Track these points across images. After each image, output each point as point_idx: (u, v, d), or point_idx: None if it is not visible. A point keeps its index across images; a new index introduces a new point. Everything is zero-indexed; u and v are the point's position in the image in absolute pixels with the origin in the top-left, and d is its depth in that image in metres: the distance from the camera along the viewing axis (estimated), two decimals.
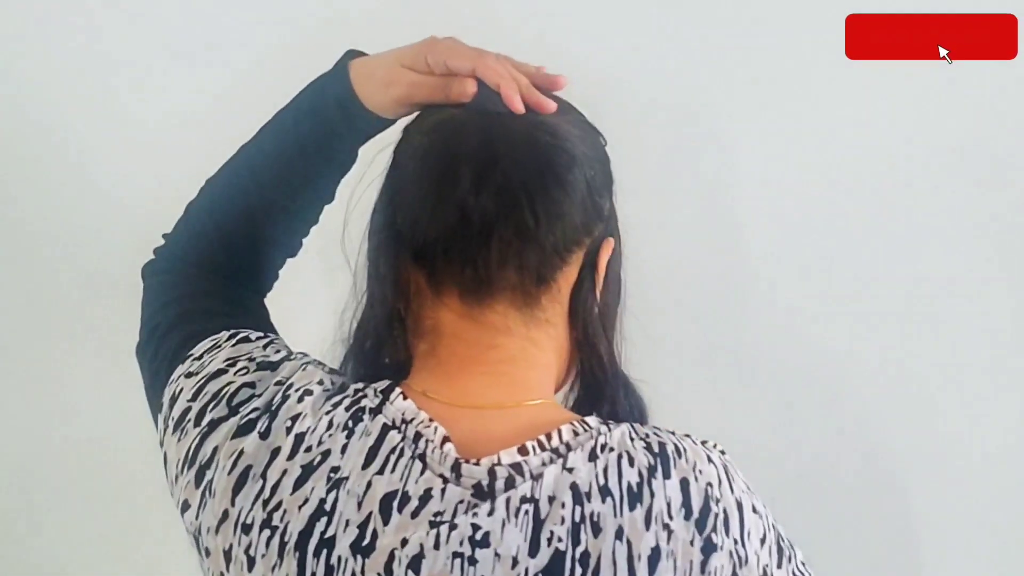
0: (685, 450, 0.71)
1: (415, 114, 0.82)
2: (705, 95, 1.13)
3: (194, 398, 0.77)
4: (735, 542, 0.69)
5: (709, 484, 0.70)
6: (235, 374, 0.77)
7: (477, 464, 0.70)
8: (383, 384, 0.75)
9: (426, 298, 0.77)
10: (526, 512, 0.68)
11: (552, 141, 0.74)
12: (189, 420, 0.76)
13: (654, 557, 0.67)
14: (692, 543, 0.68)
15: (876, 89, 1.13)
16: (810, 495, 1.19)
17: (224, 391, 0.76)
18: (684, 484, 0.69)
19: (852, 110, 1.13)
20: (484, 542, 0.67)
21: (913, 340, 1.17)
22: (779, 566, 0.73)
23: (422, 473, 0.69)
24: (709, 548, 0.68)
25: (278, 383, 0.75)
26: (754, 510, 0.72)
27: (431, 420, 0.72)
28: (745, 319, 1.13)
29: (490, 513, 0.68)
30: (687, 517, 0.68)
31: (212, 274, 0.89)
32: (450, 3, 1.11)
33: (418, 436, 0.71)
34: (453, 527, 0.68)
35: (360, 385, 0.75)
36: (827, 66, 1.12)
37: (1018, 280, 1.15)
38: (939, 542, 1.19)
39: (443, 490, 0.69)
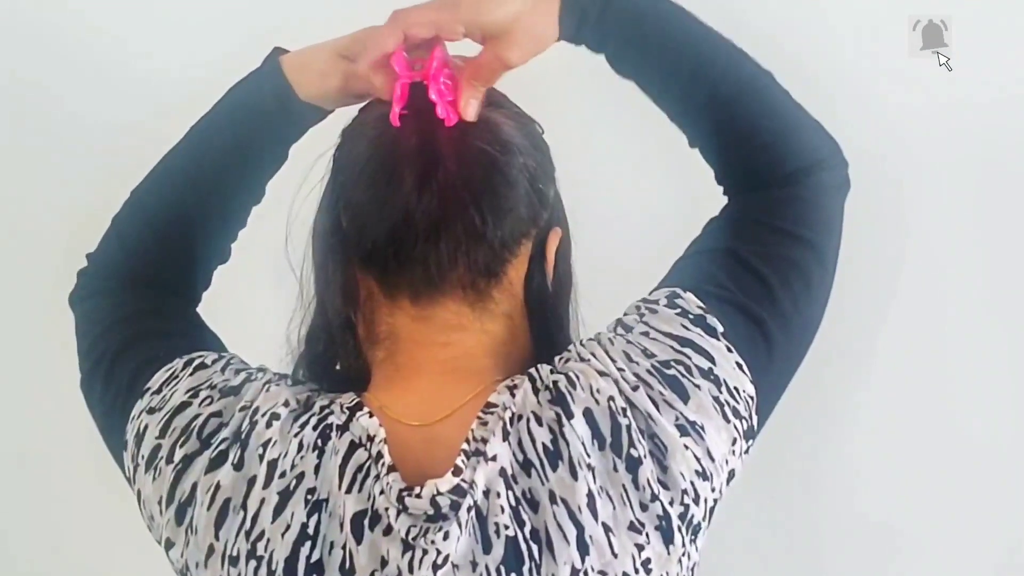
0: (578, 376, 0.72)
1: (353, 118, 0.80)
2: None
3: (162, 435, 0.75)
4: (651, 437, 0.70)
5: (610, 398, 0.70)
6: (200, 405, 0.75)
7: (419, 497, 0.69)
8: (350, 400, 0.74)
9: (379, 303, 0.76)
10: (471, 517, 0.68)
11: (491, 136, 0.74)
12: (161, 458, 0.74)
13: (591, 502, 0.68)
14: (616, 469, 0.69)
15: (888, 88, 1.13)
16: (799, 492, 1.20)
17: (192, 425, 0.74)
18: (588, 415, 0.70)
19: (839, 108, 1.11)
20: (443, 562, 0.68)
21: (923, 339, 1.17)
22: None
23: (381, 494, 0.69)
24: (633, 465, 0.69)
25: (243, 408, 0.74)
26: (635, 388, 0.71)
27: (385, 441, 0.71)
28: None
29: (445, 537, 0.68)
30: (602, 447, 0.70)
31: (149, 289, 0.87)
32: None
33: (379, 456, 0.70)
34: (425, 552, 0.68)
35: (325, 401, 0.74)
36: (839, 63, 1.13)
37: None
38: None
39: (397, 515, 0.69)
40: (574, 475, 0.68)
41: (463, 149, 0.73)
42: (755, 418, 0.75)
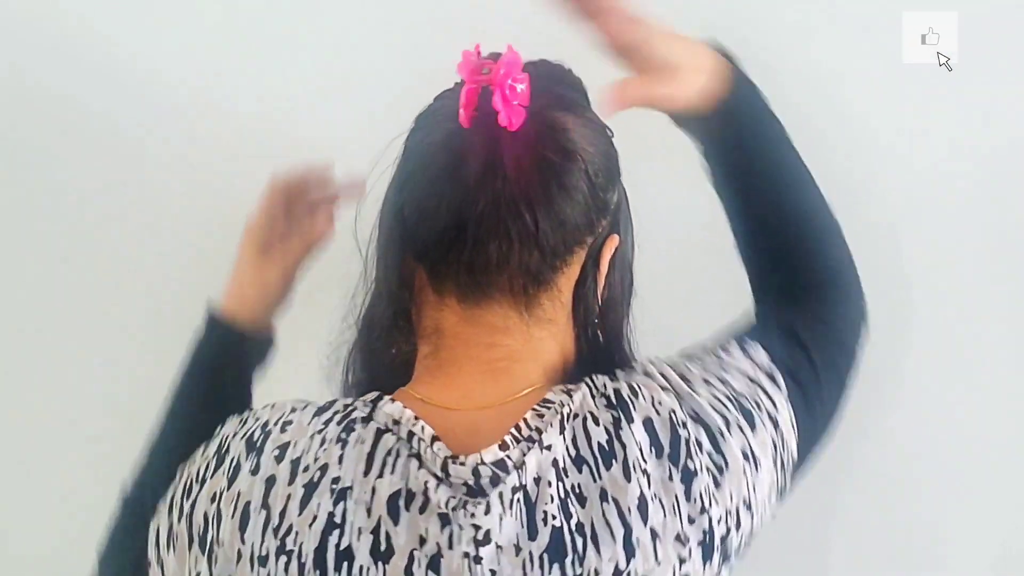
0: (640, 387, 0.73)
1: (429, 104, 0.80)
2: None
3: (168, 516, 0.76)
4: (709, 453, 0.72)
5: (672, 411, 0.72)
6: (186, 470, 0.77)
7: (463, 464, 0.70)
8: (371, 395, 0.75)
9: (428, 297, 0.77)
10: (518, 500, 0.69)
11: (556, 143, 0.74)
12: (172, 525, 0.75)
13: (642, 505, 0.69)
14: (671, 478, 0.71)
15: (885, 89, 1.14)
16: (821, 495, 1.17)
17: (186, 481, 0.76)
18: (648, 424, 0.72)
19: (870, 111, 1.14)
20: (485, 539, 0.68)
21: (925, 339, 1.17)
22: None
23: (419, 469, 0.70)
24: (688, 476, 0.71)
25: (234, 433, 0.75)
26: (711, 405, 0.74)
27: (417, 418, 0.72)
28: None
29: (487, 511, 0.69)
30: (659, 455, 0.71)
31: None
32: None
33: (411, 435, 0.71)
34: (461, 527, 0.68)
35: (348, 400, 0.75)
36: (842, 65, 1.13)
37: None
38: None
39: (437, 486, 0.69)
40: (627, 476, 0.70)
41: (525, 156, 0.72)
42: (789, 481, 0.78)
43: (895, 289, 1.15)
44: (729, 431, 0.73)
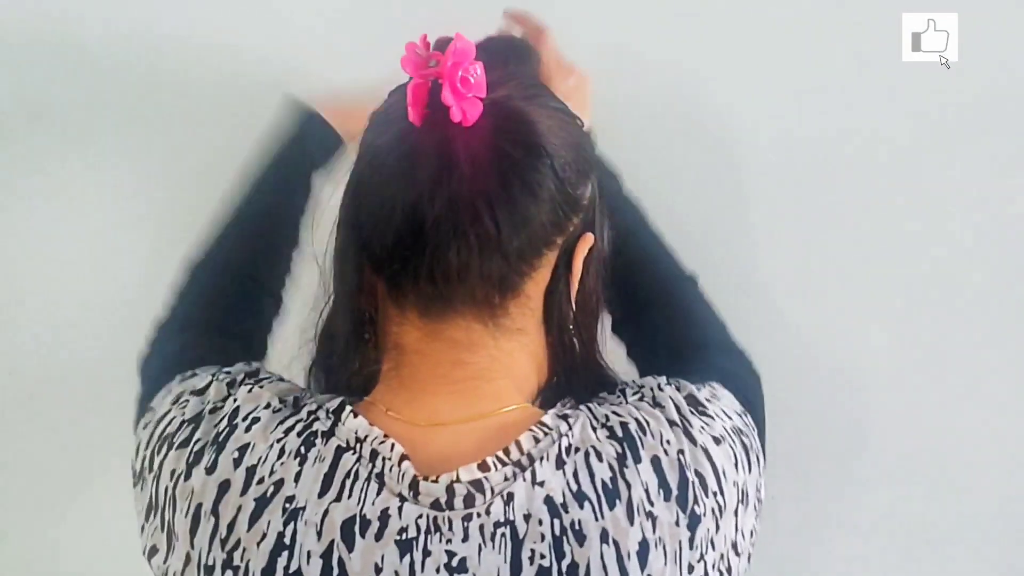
0: (648, 422, 0.69)
1: (384, 100, 0.74)
2: (713, 92, 1.12)
3: (147, 446, 0.73)
4: (714, 494, 0.68)
5: (680, 452, 0.69)
6: (179, 409, 0.74)
7: (435, 482, 0.66)
8: (334, 403, 0.71)
9: (389, 309, 0.72)
10: (503, 535, 0.65)
11: (518, 136, 0.68)
12: (145, 468, 0.73)
13: (643, 551, 0.65)
14: (677, 523, 0.67)
15: (886, 88, 1.12)
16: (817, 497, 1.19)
17: (167, 431, 0.73)
18: (656, 463, 0.68)
19: (865, 108, 1.13)
20: (461, 568, 0.65)
21: (927, 340, 1.16)
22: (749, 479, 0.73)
23: (378, 494, 0.66)
24: (694, 522, 0.67)
25: (215, 410, 0.72)
26: (717, 442, 0.71)
27: (386, 437, 0.68)
28: (756, 326, 1.11)
29: (464, 539, 0.65)
30: (667, 498, 0.67)
31: (221, 338, 0.87)
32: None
33: (374, 454, 0.67)
34: (427, 554, 0.65)
35: (313, 406, 0.71)
36: (838, 64, 1.12)
37: None
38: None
39: (400, 508, 0.66)
40: (631, 519, 0.66)
41: (481, 152, 0.67)
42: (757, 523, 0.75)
43: (895, 289, 1.15)
44: (735, 468, 0.70)
